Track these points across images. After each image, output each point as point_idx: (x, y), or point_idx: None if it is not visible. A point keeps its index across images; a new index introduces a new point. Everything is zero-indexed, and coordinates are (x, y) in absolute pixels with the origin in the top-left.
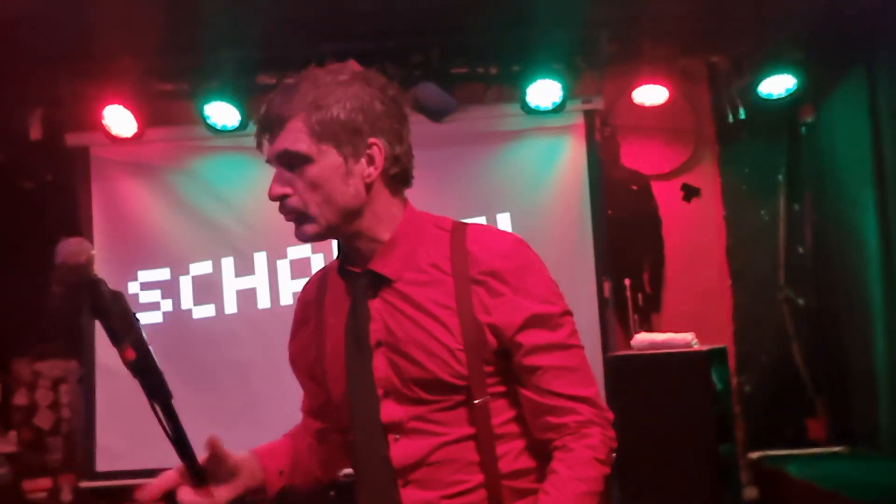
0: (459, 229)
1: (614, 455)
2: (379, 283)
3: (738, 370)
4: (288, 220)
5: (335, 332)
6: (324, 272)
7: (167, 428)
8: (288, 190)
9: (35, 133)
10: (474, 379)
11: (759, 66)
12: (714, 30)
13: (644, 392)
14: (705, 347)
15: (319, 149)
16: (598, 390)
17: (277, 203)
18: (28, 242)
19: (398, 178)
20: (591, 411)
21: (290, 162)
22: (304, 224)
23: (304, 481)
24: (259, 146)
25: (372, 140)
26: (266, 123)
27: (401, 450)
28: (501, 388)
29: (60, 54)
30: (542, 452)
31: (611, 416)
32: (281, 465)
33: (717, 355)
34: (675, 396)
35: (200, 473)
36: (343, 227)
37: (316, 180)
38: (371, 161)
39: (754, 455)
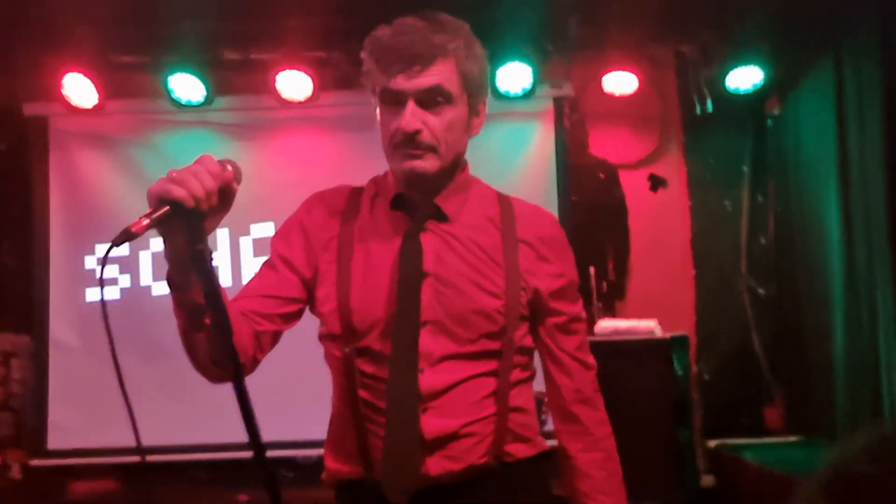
0: (503, 195)
1: None
2: (437, 217)
3: (698, 357)
4: (404, 153)
5: (380, 259)
6: (353, 192)
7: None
8: (421, 125)
9: None
10: (509, 326)
11: (726, 56)
12: (682, 17)
13: (605, 378)
14: (668, 335)
15: (461, 95)
16: None
17: (403, 135)
18: None
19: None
20: (595, 378)
21: (431, 98)
22: (427, 158)
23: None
24: (386, 70)
25: (482, 98)
26: (412, 53)
27: (426, 379)
28: (525, 343)
29: (17, 20)
30: (554, 406)
31: None
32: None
33: (679, 342)
34: (637, 382)
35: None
36: (449, 171)
37: (452, 123)
38: (478, 117)
39: (712, 443)
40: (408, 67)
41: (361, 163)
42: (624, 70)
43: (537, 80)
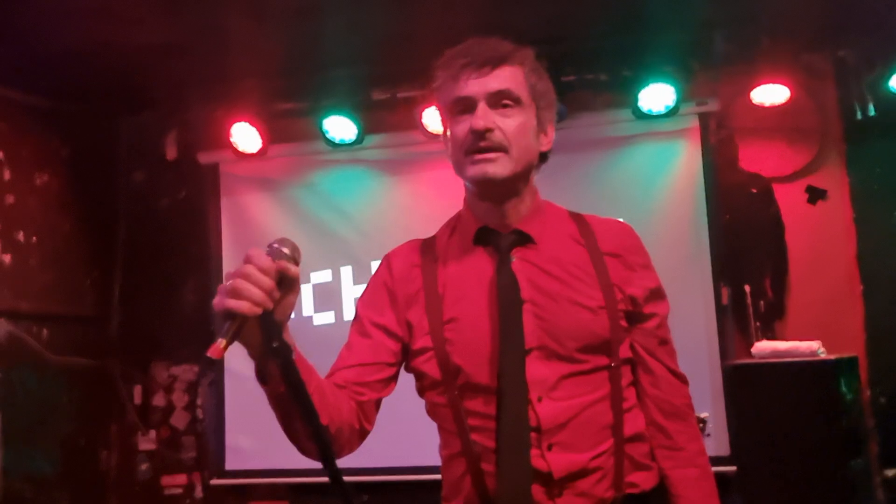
0: (574, 213)
1: None
2: (523, 243)
3: (872, 381)
4: (475, 157)
5: (472, 295)
6: (425, 244)
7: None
8: (493, 125)
9: (171, 153)
10: (613, 338)
11: (890, 58)
12: (840, 23)
13: (766, 402)
14: (833, 356)
15: (529, 102)
16: None
17: (487, 142)
18: (165, 255)
19: (544, 159)
20: (688, 392)
21: (501, 101)
22: (499, 161)
23: (324, 403)
24: (457, 77)
25: (550, 117)
26: (482, 57)
27: (546, 410)
28: (627, 355)
29: (192, 79)
30: (645, 419)
31: None
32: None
33: (847, 365)
34: (801, 407)
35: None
36: (518, 181)
37: (522, 127)
38: (546, 135)
39: (890, 472)
40: (477, 69)
41: None
42: (775, 82)
43: (681, 98)
